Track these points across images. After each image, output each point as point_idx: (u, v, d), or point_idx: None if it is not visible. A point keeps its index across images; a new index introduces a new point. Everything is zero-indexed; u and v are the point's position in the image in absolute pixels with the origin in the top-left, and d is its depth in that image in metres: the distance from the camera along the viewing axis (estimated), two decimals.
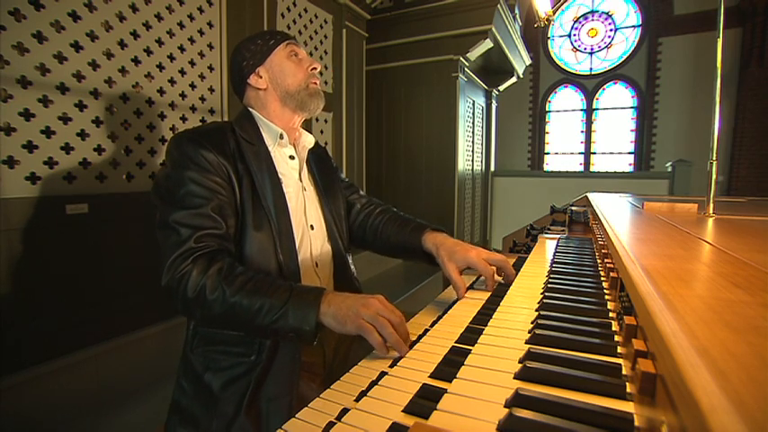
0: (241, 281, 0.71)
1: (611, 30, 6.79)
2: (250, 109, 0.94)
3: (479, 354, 0.52)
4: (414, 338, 0.66)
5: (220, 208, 0.78)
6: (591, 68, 6.92)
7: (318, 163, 1.03)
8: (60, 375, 1.44)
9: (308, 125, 2.70)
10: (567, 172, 5.80)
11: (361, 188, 3.41)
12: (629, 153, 6.78)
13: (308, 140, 1.00)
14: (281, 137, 0.92)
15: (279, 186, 0.86)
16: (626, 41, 6.66)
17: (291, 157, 0.95)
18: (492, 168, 5.01)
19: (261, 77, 0.93)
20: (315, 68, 0.96)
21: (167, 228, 0.75)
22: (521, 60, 4.62)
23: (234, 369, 0.76)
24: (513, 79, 4.82)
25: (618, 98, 6.79)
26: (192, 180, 0.77)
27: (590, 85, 6.90)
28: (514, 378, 0.44)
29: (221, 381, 0.76)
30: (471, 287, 0.91)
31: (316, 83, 0.96)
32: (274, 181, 0.86)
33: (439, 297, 0.94)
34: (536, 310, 0.65)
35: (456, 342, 0.60)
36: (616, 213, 1.10)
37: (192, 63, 1.94)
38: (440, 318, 0.74)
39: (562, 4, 6.66)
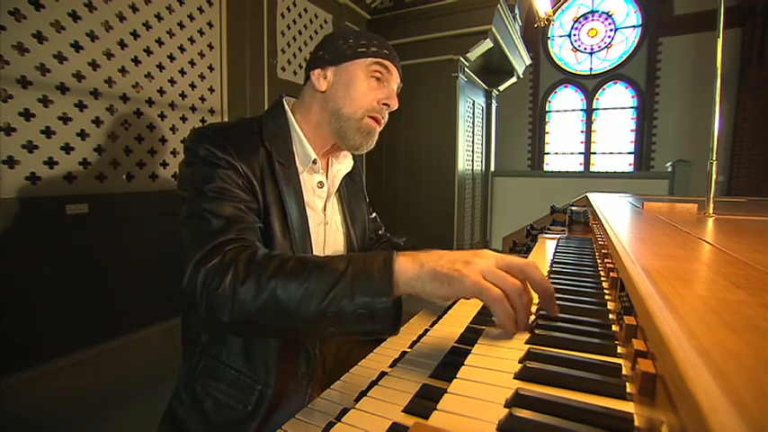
0: (278, 261, 0.55)
1: (611, 30, 6.79)
2: (289, 115, 0.82)
3: (479, 354, 0.52)
4: (414, 338, 0.66)
5: (251, 210, 0.69)
6: (591, 68, 6.91)
7: (351, 190, 0.93)
8: (60, 375, 1.44)
9: None
10: (567, 172, 5.80)
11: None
12: (629, 153, 6.78)
13: (347, 165, 0.89)
14: (314, 162, 0.80)
15: (305, 218, 0.76)
16: (626, 41, 6.66)
17: (320, 185, 0.83)
18: (492, 168, 5.00)
19: (325, 78, 0.80)
20: (387, 105, 0.82)
21: (195, 217, 0.64)
22: (521, 60, 4.61)
23: (232, 412, 0.69)
24: (513, 79, 4.81)
25: (618, 98, 6.79)
26: (222, 178, 0.68)
27: (590, 85, 6.90)
28: (514, 378, 0.44)
29: (221, 416, 0.70)
30: None
31: (376, 120, 0.82)
32: (302, 212, 0.76)
33: None
34: (536, 310, 0.64)
35: (456, 342, 0.60)
36: (616, 213, 1.10)
37: (192, 63, 1.94)
38: (440, 318, 0.74)
39: (562, 4, 6.67)
